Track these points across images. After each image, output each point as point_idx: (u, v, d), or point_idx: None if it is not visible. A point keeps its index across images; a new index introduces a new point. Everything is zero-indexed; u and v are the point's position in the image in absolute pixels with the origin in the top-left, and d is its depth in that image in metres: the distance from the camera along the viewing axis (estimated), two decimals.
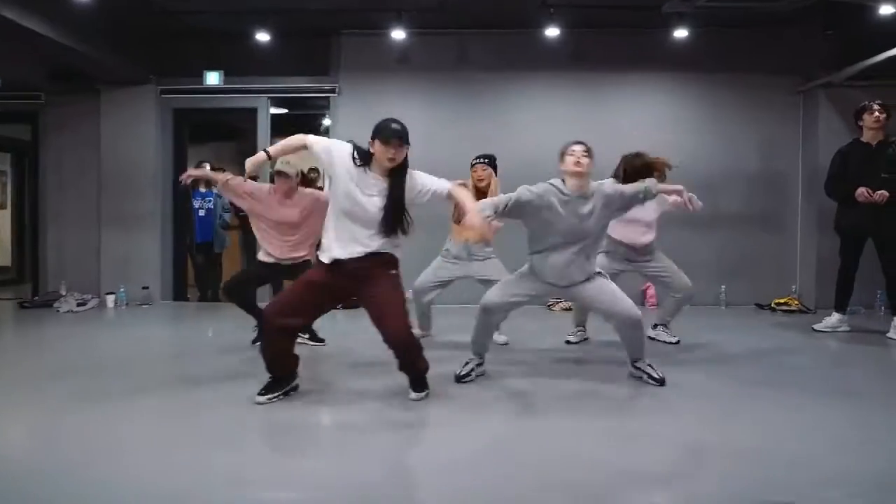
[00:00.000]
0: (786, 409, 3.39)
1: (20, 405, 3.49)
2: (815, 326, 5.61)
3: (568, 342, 5.08)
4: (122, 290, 7.11)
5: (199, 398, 3.60)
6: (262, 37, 6.81)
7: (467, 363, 3.95)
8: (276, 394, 3.43)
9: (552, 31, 6.57)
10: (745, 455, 2.71)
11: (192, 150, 8.15)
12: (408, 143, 3.30)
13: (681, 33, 6.59)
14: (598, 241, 3.89)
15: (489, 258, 4.87)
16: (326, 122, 7.83)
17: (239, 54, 7.24)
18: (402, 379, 3.54)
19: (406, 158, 3.34)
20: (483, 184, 4.81)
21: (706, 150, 7.11)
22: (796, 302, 6.78)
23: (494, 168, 4.92)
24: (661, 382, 3.79)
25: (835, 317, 5.56)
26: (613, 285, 3.88)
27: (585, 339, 5.14)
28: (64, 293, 7.21)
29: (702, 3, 5.67)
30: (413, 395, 3.48)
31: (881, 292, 6.34)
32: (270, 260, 4.68)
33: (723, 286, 7.02)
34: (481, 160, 4.86)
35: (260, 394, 3.41)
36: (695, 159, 7.05)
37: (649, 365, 3.89)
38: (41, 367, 4.39)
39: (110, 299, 7.10)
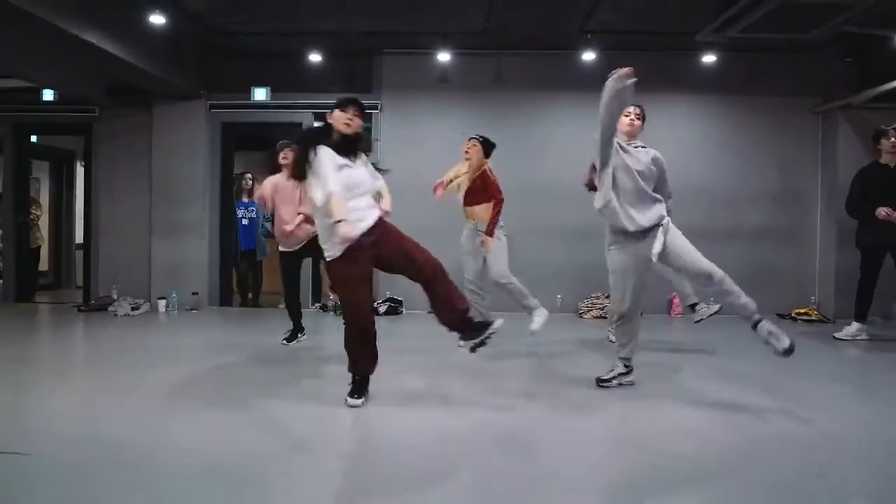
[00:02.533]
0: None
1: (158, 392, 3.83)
2: (836, 335, 5.99)
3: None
4: (174, 294, 7.45)
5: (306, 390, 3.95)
6: (315, 57, 7.22)
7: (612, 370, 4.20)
8: (364, 395, 3.75)
9: (588, 56, 6.94)
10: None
11: (238, 156, 8.51)
12: (363, 115, 3.74)
13: (709, 58, 6.98)
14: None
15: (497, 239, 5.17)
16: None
17: (285, 72, 7.62)
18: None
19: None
20: (467, 156, 5.20)
21: (729, 168, 7.49)
22: (815, 312, 7.15)
23: (485, 148, 5.22)
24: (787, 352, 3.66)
25: (854, 326, 5.94)
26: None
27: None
28: (116, 298, 7.56)
29: (733, 34, 6.02)
30: (462, 342, 3.81)
31: None
32: (289, 248, 5.22)
33: None
34: (474, 136, 5.27)
35: (353, 396, 3.69)
36: (719, 176, 7.48)
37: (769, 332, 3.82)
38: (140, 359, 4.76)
39: (162, 303, 7.44)
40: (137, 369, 4.56)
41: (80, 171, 10.42)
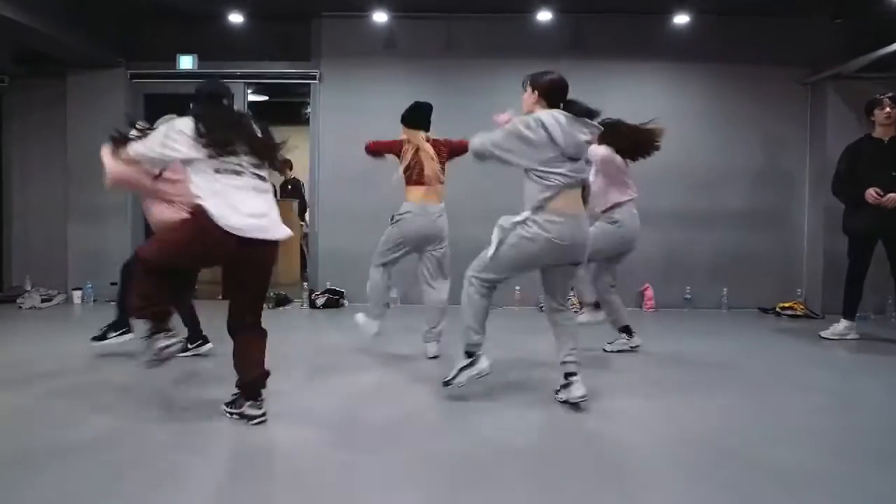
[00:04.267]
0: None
1: None
2: (822, 333, 5.24)
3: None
4: (89, 285, 6.72)
5: None
6: (237, 18, 6.44)
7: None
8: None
9: (544, 16, 6.19)
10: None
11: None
12: None
13: (682, 19, 6.22)
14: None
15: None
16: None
17: (214, 38, 6.88)
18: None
19: None
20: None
21: (708, 143, 6.74)
22: (802, 307, 6.41)
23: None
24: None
25: (843, 324, 5.20)
26: None
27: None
28: (28, 288, 6.83)
29: None
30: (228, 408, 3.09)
31: (893, 298, 6.01)
32: None
33: (724, 289, 6.66)
34: None
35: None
36: (696, 153, 6.73)
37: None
38: None
39: (77, 295, 6.74)
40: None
41: None
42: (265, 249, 2.95)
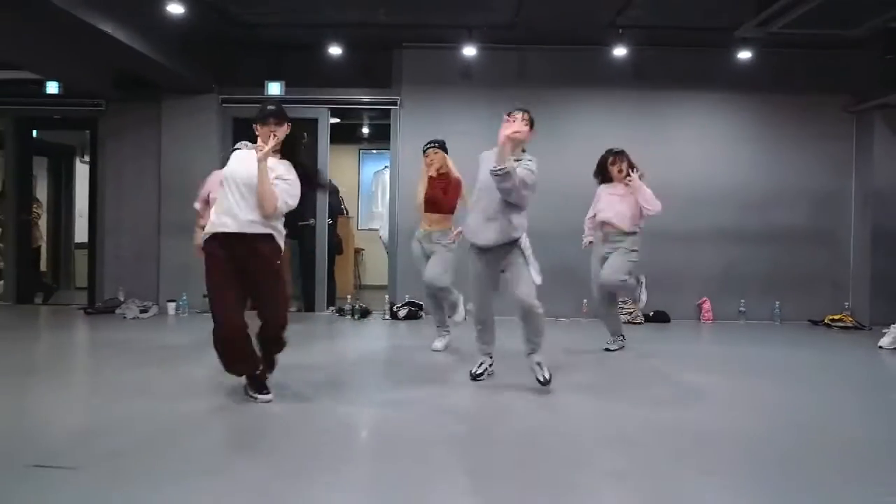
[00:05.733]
0: None
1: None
2: (881, 344, 5.74)
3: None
4: (184, 297, 7.16)
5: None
6: (334, 50, 6.92)
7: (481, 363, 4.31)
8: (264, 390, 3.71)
9: (620, 51, 6.69)
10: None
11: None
12: (287, 121, 3.56)
13: (745, 55, 6.73)
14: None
15: (446, 247, 5.15)
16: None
17: (300, 65, 7.34)
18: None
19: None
20: (434, 166, 5.12)
21: (761, 167, 7.24)
22: (850, 318, 6.93)
23: (445, 150, 5.22)
24: (545, 383, 3.96)
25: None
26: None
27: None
28: (123, 300, 7.26)
29: (775, 29, 5.77)
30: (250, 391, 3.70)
31: None
32: None
33: (777, 302, 7.16)
34: (432, 144, 5.22)
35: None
36: (750, 176, 7.24)
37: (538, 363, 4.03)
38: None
39: (171, 306, 7.16)
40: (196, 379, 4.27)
41: (79, 167, 10.12)
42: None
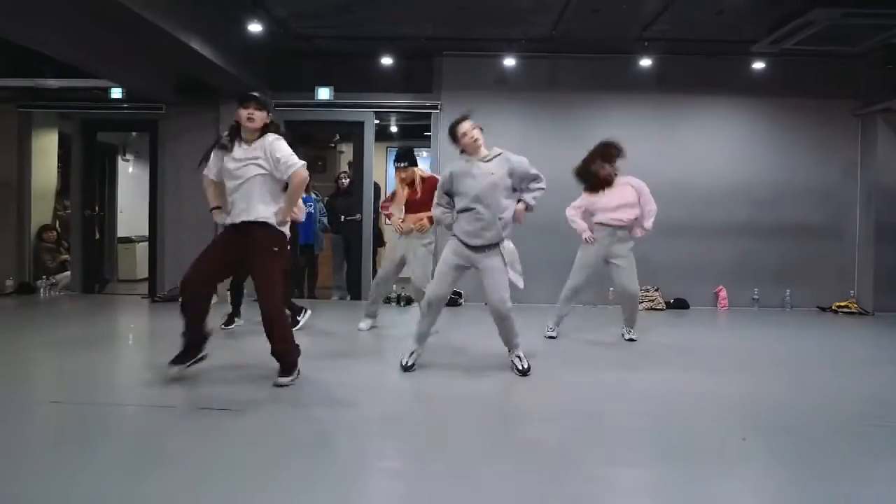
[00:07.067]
0: None
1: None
2: None
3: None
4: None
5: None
6: (386, 60, 7.51)
7: (412, 353, 4.54)
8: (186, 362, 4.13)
9: (645, 62, 7.31)
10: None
11: (299, 152, 8.77)
12: (265, 110, 3.92)
13: (759, 65, 7.36)
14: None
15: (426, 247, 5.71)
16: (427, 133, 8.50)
17: (347, 72, 7.91)
18: None
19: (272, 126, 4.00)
20: (407, 181, 5.65)
21: (773, 166, 7.85)
22: (855, 305, 7.57)
23: (414, 163, 5.69)
24: (524, 373, 4.35)
25: None
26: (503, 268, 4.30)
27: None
28: None
29: (787, 46, 6.36)
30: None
31: None
32: None
33: (787, 290, 7.79)
34: (400, 164, 5.68)
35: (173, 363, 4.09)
36: (762, 174, 7.85)
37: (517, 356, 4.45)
38: None
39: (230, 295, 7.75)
40: None
41: (121, 165, 10.64)
42: None
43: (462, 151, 4.40)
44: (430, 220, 5.34)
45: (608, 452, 3.11)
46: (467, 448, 3.13)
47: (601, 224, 5.51)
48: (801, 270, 7.88)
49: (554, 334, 5.75)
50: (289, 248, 4.34)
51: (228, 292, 6.29)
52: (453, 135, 4.40)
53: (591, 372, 4.64)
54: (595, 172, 5.53)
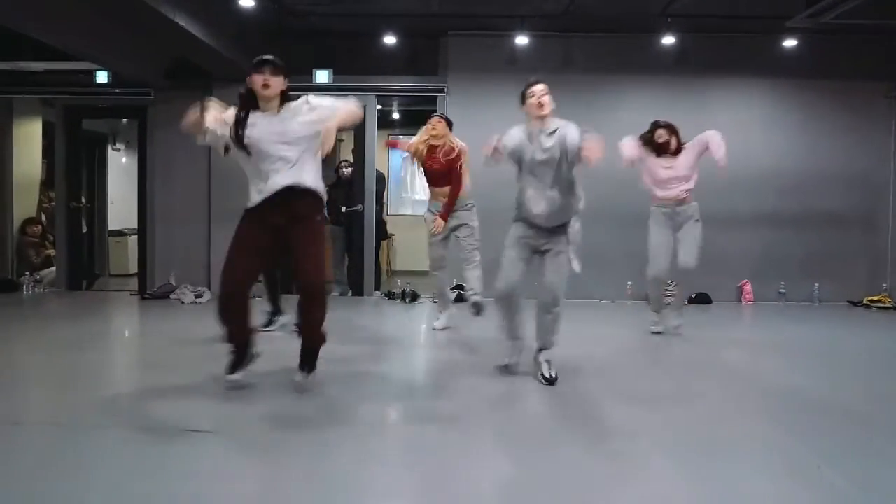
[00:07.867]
0: None
1: None
2: None
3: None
4: None
5: None
6: (389, 39, 7.03)
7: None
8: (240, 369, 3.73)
9: (668, 39, 6.81)
10: None
11: None
12: (283, 74, 3.59)
13: (790, 42, 6.86)
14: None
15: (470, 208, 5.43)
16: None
17: (347, 53, 7.45)
18: None
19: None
20: (434, 133, 5.27)
21: (801, 151, 7.40)
22: (888, 299, 7.13)
23: (450, 125, 5.36)
24: (550, 381, 3.87)
25: None
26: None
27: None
28: (175, 285, 7.41)
29: (827, 20, 5.89)
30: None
31: None
32: None
33: (816, 284, 7.34)
34: (438, 115, 5.48)
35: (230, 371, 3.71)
36: (790, 160, 7.40)
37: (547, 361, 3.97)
38: None
39: None
40: None
41: (112, 154, 10.20)
42: None
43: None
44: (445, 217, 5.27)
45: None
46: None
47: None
48: (831, 263, 7.44)
49: (660, 329, 5.51)
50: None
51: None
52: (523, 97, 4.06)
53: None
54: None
